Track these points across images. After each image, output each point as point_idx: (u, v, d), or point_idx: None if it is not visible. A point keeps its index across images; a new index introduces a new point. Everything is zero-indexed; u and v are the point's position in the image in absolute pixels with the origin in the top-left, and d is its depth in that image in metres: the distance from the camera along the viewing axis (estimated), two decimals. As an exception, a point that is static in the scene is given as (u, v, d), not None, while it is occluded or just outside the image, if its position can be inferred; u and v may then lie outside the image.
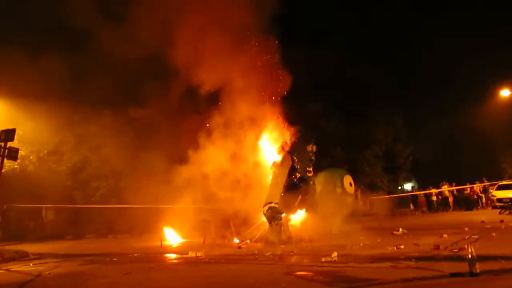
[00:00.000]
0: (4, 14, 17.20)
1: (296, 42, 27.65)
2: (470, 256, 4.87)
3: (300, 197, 12.08)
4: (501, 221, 12.49)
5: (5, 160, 12.30)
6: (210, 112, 13.78)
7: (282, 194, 11.53)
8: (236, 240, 12.01)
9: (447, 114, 40.43)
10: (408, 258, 6.55)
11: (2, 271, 8.21)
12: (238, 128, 13.42)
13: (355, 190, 15.18)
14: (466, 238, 8.64)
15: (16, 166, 17.58)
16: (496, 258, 5.85)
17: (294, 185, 11.97)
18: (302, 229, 12.46)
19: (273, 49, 13.63)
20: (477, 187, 24.86)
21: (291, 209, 12.09)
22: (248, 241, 11.63)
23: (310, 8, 31.93)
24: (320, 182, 13.12)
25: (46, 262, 9.04)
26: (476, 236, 8.83)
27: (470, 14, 43.54)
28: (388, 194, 29.70)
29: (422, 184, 31.90)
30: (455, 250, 6.98)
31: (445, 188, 24.48)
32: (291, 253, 8.50)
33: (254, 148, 13.58)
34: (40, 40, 16.71)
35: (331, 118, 29.37)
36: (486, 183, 24.78)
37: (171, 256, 9.79)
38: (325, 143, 21.47)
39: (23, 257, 10.34)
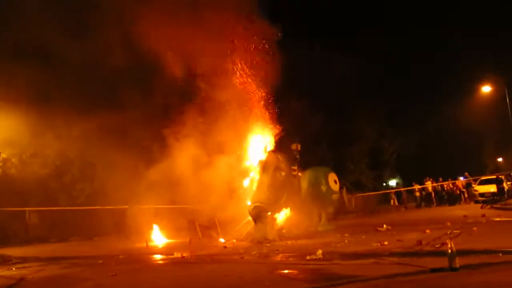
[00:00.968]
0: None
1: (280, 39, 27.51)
2: (450, 251, 4.95)
3: (285, 195, 12.15)
4: (483, 216, 12.68)
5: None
6: (192, 111, 13.74)
7: (268, 193, 11.57)
8: (222, 240, 12.02)
9: (431, 110, 41.07)
10: (392, 254, 6.65)
11: (-16, 276, 8.07)
12: (223, 127, 13.39)
13: (340, 188, 15.32)
14: (448, 233, 8.76)
15: (-3, 169, 17.29)
16: (476, 253, 5.94)
17: (279, 184, 12.03)
18: (287, 227, 12.54)
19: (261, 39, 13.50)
20: (460, 182, 25.30)
21: (276, 207, 12.16)
22: (234, 240, 11.67)
23: (294, 4, 32.02)
24: (305, 180, 13.22)
25: (30, 266, 8.88)
26: (457, 231, 8.95)
27: (453, 8, 44.12)
28: (373, 191, 30.05)
29: (406, 180, 32.31)
30: (437, 245, 7.08)
31: (429, 184, 24.83)
32: (277, 252, 8.52)
33: (239, 148, 13.59)
34: (19, 42, 16.40)
35: (316, 116, 29.46)
36: (469, 178, 25.24)
37: (157, 257, 9.73)
38: (310, 141, 21.55)
39: (6, 261, 10.12)
